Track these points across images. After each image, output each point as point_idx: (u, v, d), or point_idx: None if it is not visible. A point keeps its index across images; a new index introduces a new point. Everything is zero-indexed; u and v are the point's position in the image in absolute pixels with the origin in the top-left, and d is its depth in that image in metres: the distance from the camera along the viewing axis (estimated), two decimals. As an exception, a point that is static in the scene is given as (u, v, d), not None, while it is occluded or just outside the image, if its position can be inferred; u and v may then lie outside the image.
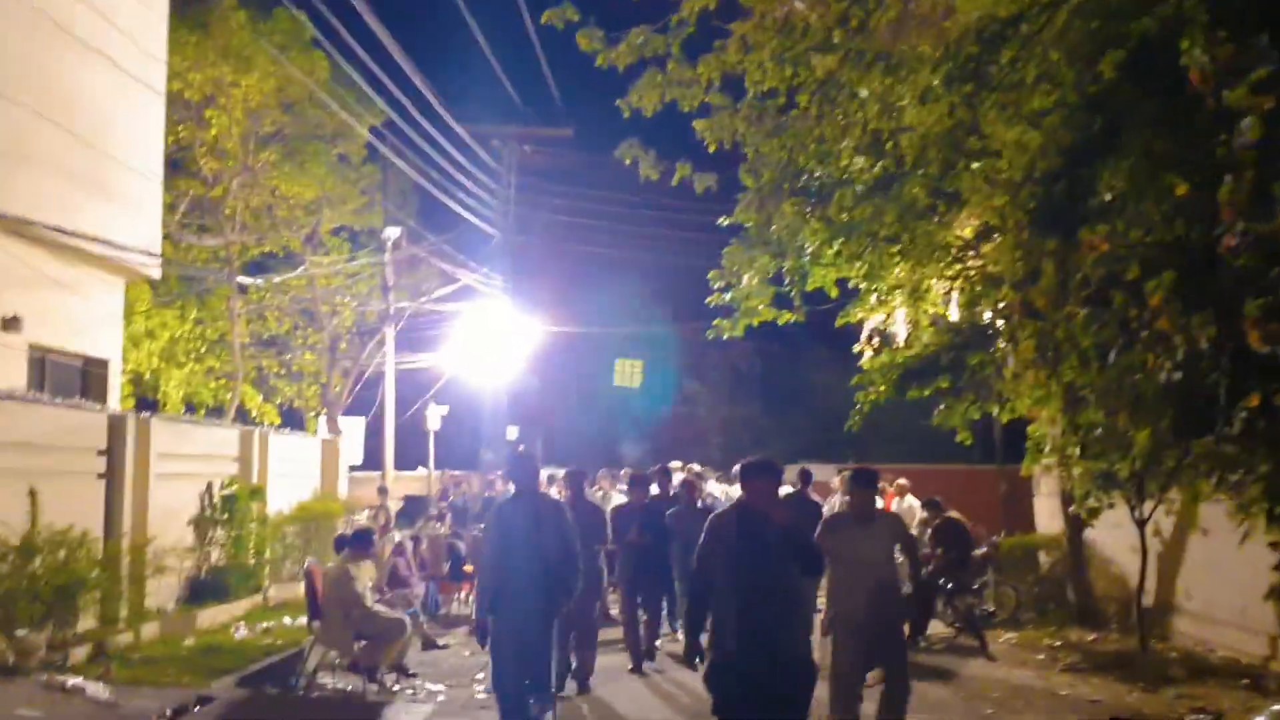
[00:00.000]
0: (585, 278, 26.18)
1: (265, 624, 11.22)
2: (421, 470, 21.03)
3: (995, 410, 10.62)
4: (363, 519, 15.81)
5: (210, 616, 10.88)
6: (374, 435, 20.34)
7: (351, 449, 18.65)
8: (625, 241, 23.77)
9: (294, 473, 14.29)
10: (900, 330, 14.21)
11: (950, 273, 11.26)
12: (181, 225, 19.49)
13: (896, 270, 12.08)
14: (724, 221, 12.43)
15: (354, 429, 18.77)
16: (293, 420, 21.60)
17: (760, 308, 12.52)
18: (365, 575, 8.89)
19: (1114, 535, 11.17)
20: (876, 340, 14.39)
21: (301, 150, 19.64)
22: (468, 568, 12.78)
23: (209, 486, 11.84)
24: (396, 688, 8.80)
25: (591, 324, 23.73)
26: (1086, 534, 11.98)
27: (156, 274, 12.62)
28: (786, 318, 12.64)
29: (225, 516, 11.77)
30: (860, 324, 14.45)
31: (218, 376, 20.18)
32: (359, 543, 9.04)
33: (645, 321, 24.13)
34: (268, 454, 13.18)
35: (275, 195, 20.01)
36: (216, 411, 19.46)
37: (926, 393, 11.33)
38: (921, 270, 11.68)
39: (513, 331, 20.47)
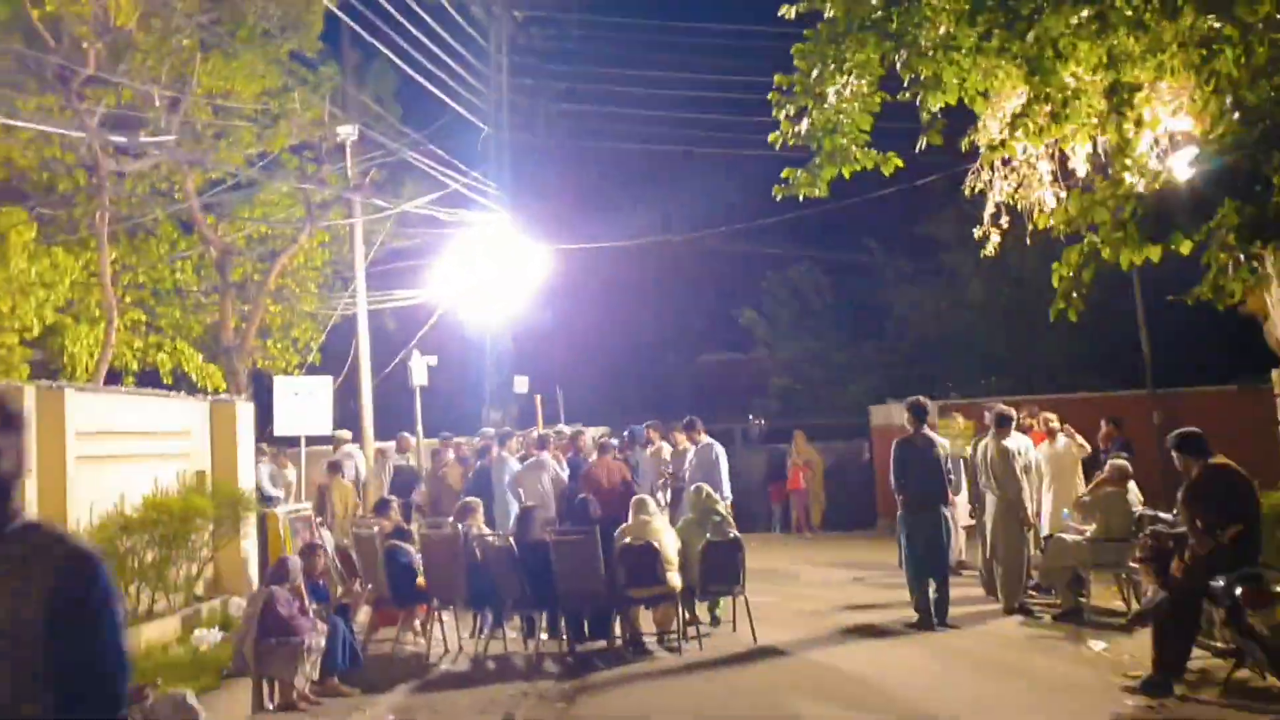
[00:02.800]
0: (602, 186, 21.27)
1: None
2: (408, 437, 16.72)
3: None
4: (303, 511, 11.64)
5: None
6: (349, 398, 16.14)
7: (315, 417, 14.41)
8: (652, 137, 18.84)
9: (144, 452, 9.67)
10: (1048, 197, 9.82)
11: (1200, 34, 6.55)
12: (100, 148, 15.50)
13: (1077, 64, 7.45)
14: (788, 11, 7.90)
15: (317, 390, 14.54)
16: (258, 384, 17.35)
17: (854, 149, 7.95)
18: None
19: None
20: (1005, 220, 10.27)
21: (230, 42, 15.38)
22: (420, 582, 8.35)
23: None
24: None
25: (611, 239, 18.55)
26: None
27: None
28: (894, 163, 8.10)
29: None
30: (979, 199, 10.34)
31: (151, 332, 16.09)
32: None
33: (681, 232, 19.15)
34: (63, 425, 8.30)
35: (207, 103, 15.84)
36: (144, 377, 15.34)
37: (1185, 247, 6.49)
38: (1132, 44, 6.99)
39: (513, 253, 16.00)
